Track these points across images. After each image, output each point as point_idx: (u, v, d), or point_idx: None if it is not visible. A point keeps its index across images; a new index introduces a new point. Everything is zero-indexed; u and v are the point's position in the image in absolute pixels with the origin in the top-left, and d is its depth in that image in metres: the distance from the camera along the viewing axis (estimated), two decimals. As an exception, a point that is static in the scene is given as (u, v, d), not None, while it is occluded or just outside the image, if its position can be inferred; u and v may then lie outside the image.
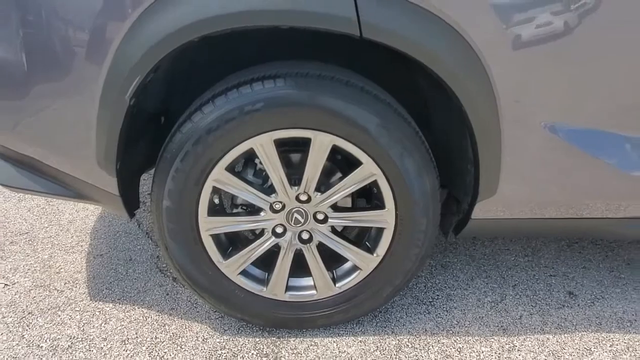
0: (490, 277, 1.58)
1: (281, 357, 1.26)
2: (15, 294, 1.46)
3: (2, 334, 1.32)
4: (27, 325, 1.35)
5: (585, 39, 1.02)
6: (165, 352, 1.27)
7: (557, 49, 1.02)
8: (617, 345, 1.32)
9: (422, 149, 1.13)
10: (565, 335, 1.35)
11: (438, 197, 1.19)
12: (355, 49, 1.17)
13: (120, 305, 1.43)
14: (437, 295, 1.49)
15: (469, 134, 1.11)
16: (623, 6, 1.00)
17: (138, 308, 1.42)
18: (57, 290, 1.48)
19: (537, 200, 1.20)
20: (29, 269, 1.57)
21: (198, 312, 1.40)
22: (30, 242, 1.71)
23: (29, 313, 1.39)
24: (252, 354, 1.27)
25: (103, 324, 1.36)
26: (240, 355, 1.26)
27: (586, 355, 1.28)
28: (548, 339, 1.33)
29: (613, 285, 1.55)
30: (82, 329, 1.34)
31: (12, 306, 1.42)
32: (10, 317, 1.38)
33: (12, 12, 1.04)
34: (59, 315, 1.38)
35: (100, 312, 1.40)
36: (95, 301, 1.44)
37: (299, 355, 1.27)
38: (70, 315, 1.38)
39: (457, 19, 0.98)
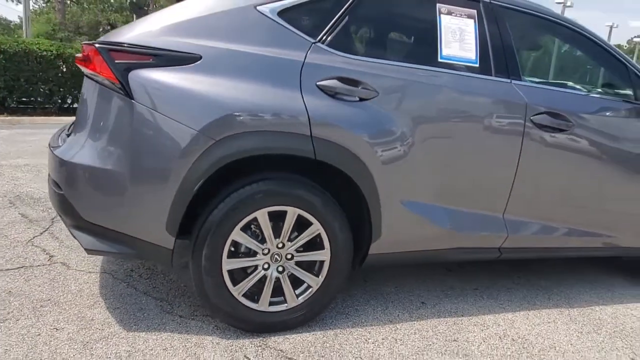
0: (377, 299, 2.60)
1: (269, 345, 2.08)
2: (69, 334, 2.05)
3: (74, 355, 1.92)
4: (91, 348, 1.97)
5: (415, 157, 2.18)
6: (195, 351, 2.00)
7: (401, 162, 2.17)
8: (447, 323, 2.39)
9: (342, 216, 2.16)
10: (423, 321, 2.39)
11: (351, 242, 2.21)
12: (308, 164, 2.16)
13: (151, 333, 2.11)
14: (349, 310, 2.45)
15: (365, 206, 2.18)
16: (436, 145, 2.21)
17: (164, 333, 2.12)
18: (99, 329, 2.11)
19: (401, 241, 2.30)
20: (67, 320, 2.16)
21: (205, 330, 2.16)
22: (56, 305, 2.28)
23: (87, 342, 2.01)
24: (251, 346, 2.07)
25: (144, 342, 2.03)
26: (244, 347, 2.05)
27: (434, 327, 2.33)
28: (414, 324, 2.36)
29: (445, 297, 2.68)
30: (131, 345, 2.00)
31: (72, 340, 2.01)
32: (75, 346, 1.98)
33: (127, 145, 1.89)
34: (111, 340, 2.02)
35: (138, 337, 2.07)
36: (132, 332, 2.10)
37: (279, 343, 2.10)
38: (119, 341, 2.03)
39: (354, 149, 2.07)
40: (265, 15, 2.05)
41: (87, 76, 2.01)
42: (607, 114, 2.59)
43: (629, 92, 2.72)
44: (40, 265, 2.67)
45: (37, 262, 2.70)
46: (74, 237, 2.04)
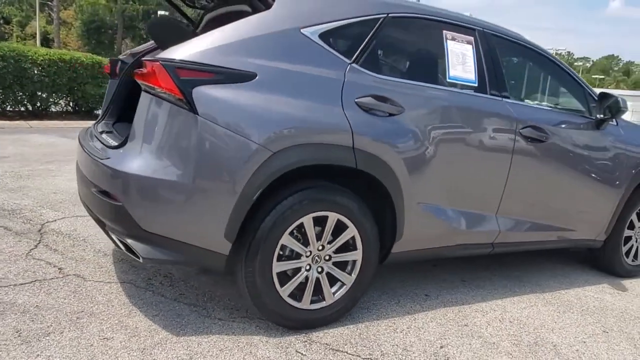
0: (388, 293, 2.86)
1: (313, 340, 2.26)
2: (121, 342, 2.09)
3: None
4: (151, 354, 2.02)
5: (431, 164, 2.48)
6: (250, 350, 2.13)
7: (421, 169, 2.46)
8: (453, 311, 2.72)
9: (372, 219, 2.40)
10: (433, 310, 2.70)
11: (378, 242, 2.46)
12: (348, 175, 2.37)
13: (201, 336, 2.20)
14: (369, 305, 2.69)
15: (390, 209, 2.43)
16: (448, 153, 2.52)
17: (213, 335, 2.22)
18: (149, 337, 2.16)
19: (419, 239, 2.58)
20: (112, 329, 2.18)
21: (249, 330, 2.29)
22: (93, 316, 2.28)
23: (144, 349, 2.06)
24: (297, 342, 2.24)
25: (198, 345, 2.13)
26: (292, 343, 2.22)
27: (444, 315, 2.64)
28: (427, 313, 2.66)
29: (441, 288, 3.01)
30: (188, 349, 2.09)
31: (127, 349, 2.05)
32: (134, 353, 2.02)
33: (191, 156, 1.98)
34: (166, 346, 2.09)
35: (190, 341, 2.16)
36: (182, 337, 2.18)
37: (321, 337, 2.29)
38: (173, 346, 2.10)
39: (386, 158, 2.32)
40: (309, 38, 2.24)
41: (145, 91, 2.06)
42: (571, 126, 3.08)
43: (583, 108, 3.24)
44: (54, 278, 2.62)
45: (48, 275, 2.64)
46: (126, 246, 2.08)
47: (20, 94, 8.77)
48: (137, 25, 48.09)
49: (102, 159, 2.13)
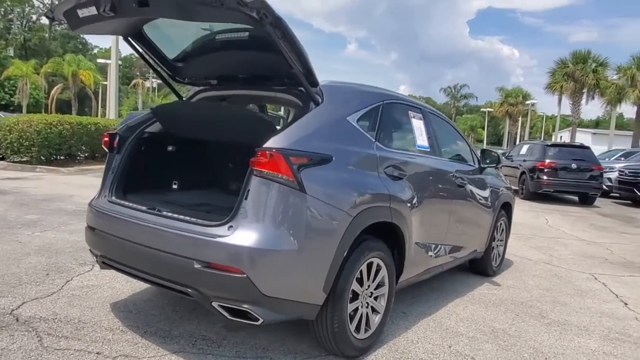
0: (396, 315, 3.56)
1: (373, 362, 2.84)
2: (244, 400, 2.32)
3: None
4: (279, 403, 2.33)
5: (420, 211, 3.31)
6: (343, 380, 2.60)
7: (418, 216, 3.27)
8: (431, 321, 3.58)
9: (393, 261, 3.10)
10: (419, 323, 3.50)
11: (395, 277, 3.16)
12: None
13: (296, 380, 2.56)
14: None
15: (400, 251, 3.18)
16: (427, 201, 3.38)
17: (304, 377, 2.60)
18: (258, 390, 2.43)
19: (412, 269, 3.37)
20: (222, 393, 2.37)
21: (325, 366, 2.73)
22: (191, 386, 2.40)
23: (268, 401, 2.34)
24: (365, 366, 2.78)
25: (304, 387, 2.50)
26: (363, 368, 2.75)
27: (427, 325, 3.47)
28: (419, 327, 3.45)
29: (408, 305, 3.84)
30: (301, 392, 2.45)
31: (255, 403, 2.31)
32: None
33: (302, 227, 2.40)
34: (283, 394, 2.41)
35: (293, 385, 2.50)
36: (283, 384, 2.50)
37: (372, 358, 2.87)
38: (286, 392, 2.43)
39: (403, 212, 3.07)
40: (352, 123, 2.86)
41: (256, 175, 2.37)
42: (470, 173, 4.32)
43: (470, 159, 4.54)
44: (107, 362, 2.56)
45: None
46: (232, 312, 2.37)
47: None
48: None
49: (214, 237, 2.35)
